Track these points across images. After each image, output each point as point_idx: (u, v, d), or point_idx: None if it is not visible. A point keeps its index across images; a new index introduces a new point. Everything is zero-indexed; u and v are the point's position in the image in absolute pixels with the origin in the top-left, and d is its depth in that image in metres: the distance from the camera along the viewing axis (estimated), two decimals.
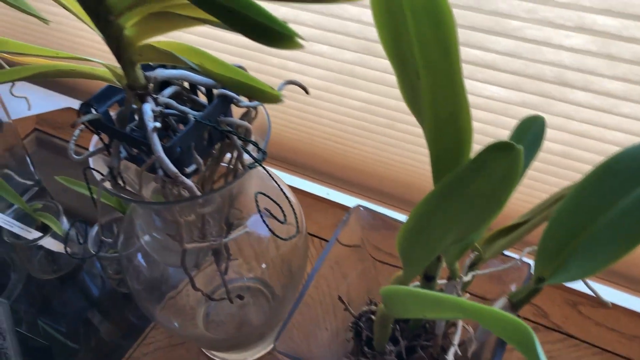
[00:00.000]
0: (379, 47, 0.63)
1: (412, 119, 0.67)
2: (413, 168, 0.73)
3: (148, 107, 0.39)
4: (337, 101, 0.70)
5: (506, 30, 0.51)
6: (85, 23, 0.38)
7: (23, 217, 0.71)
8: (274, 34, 0.24)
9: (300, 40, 0.24)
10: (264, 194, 0.41)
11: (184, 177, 0.39)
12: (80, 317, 0.69)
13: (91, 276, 0.72)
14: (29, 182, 0.82)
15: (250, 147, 0.43)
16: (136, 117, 0.42)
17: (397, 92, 0.66)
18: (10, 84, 0.66)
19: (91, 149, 0.44)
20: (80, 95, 1.01)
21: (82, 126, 0.44)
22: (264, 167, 0.41)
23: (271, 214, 0.41)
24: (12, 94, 0.68)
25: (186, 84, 0.44)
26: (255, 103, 0.42)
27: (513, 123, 0.61)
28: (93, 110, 0.41)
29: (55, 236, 0.68)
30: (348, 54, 0.63)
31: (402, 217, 0.62)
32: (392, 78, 0.64)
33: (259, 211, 0.39)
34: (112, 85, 0.43)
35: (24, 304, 0.70)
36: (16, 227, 0.67)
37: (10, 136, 0.77)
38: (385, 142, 0.71)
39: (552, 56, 0.51)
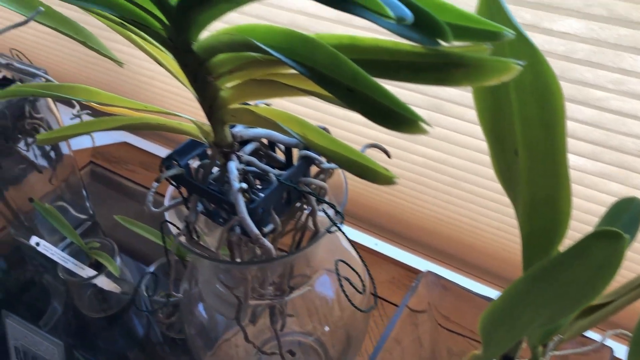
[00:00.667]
0: (449, 105, 0.62)
1: (479, 179, 0.65)
2: (478, 230, 0.71)
3: (234, 166, 0.38)
4: (400, 155, 0.69)
5: (589, 99, 0.50)
6: (178, 80, 0.38)
7: (76, 253, 0.71)
8: (397, 118, 0.24)
9: (424, 125, 0.23)
10: (345, 263, 0.39)
11: (264, 240, 0.38)
12: (126, 358, 0.68)
13: (140, 317, 0.72)
14: (83, 216, 0.82)
15: (325, 207, 0.42)
16: (213, 171, 0.42)
17: (461, 150, 0.65)
18: (77, 119, 0.66)
19: (167, 201, 0.44)
20: (138, 132, 1.02)
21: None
22: (343, 232, 0.39)
23: (349, 282, 0.40)
24: (93, 141, 0.69)
25: (264, 140, 0.44)
26: (335, 165, 0.41)
27: (587, 192, 0.59)
28: (174, 163, 0.41)
29: (108, 275, 0.68)
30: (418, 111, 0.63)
31: (466, 282, 0.60)
32: (460, 137, 0.63)
33: (339, 280, 0.38)
34: (194, 139, 0.42)
35: (71, 340, 0.70)
36: (70, 264, 0.67)
37: (68, 168, 0.77)
38: (447, 201, 0.70)
39: (637, 128, 0.49)
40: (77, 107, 0.64)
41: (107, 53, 0.59)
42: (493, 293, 0.52)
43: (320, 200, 0.40)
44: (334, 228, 0.40)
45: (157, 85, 0.90)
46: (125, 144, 0.96)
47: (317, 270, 0.48)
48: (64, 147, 0.75)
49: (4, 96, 0.42)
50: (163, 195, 0.44)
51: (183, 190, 0.42)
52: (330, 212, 0.41)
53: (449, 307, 0.50)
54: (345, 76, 0.25)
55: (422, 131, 0.24)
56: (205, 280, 0.53)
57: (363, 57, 0.26)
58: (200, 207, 0.43)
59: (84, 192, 0.80)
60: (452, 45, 0.25)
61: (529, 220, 0.36)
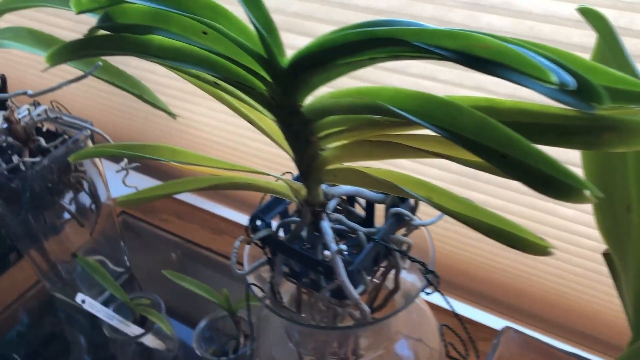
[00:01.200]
0: None
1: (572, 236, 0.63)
2: (562, 287, 0.68)
3: (327, 226, 0.37)
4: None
5: None
6: (271, 139, 0.37)
7: (117, 308, 0.69)
8: (559, 186, 0.22)
9: (587, 193, 0.22)
10: (450, 329, 0.38)
11: (364, 304, 0.37)
12: None
13: None
14: (120, 269, 0.80)
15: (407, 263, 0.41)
16: (291, 226, 0.41)
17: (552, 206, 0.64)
18: (124, 172, 0.65)
19: (246, 261, 0.42)
20: (166, 178, 1.01)
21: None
22: (440, 293, 0.38)
23: (454, 346, 0.38)
24: (125, 184, 0.68)
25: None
26: (429, 221, 0.40)
27: None
28: (259, 222, 0.40)
29: (156, 333, 0.66)
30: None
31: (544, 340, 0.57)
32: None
33: (445, 345, 0.36)
34: (277, 197, 0.41)
35: None
36: (116, 321, 0.65)
37: (107, 220, 0.76)
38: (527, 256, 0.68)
39: None
40: (125, 161, 0.63)
41: (162, 106, 0.59)
42: (573, 350, 0.50)
43: (412, 260, 0.39)
44: (428, 288, 0.38)
45: (204, 137, 0.89)
46: None
47: (394, 333, 0.47)
48: (102, 195, 0.73)
49: (81, 158, 0.41)
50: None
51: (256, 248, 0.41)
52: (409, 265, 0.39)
53: None
54: (498, 141, 0.24)
55: (585, 199, 0.22)
56: (273, 338, 0.51)
57: (501, 120, 0.25)
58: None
59: (122, 245, 0.79)
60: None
61: (639, 281, 0.35)
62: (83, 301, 0.64)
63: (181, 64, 0.33)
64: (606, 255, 0.41)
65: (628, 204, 0.33)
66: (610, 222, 0.35)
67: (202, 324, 0.64)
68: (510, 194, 0.64)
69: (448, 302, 0.38)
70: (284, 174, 0.49)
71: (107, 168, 0.72)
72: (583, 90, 0.23)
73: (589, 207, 0.61)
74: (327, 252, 0.41)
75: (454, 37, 0.24)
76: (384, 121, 0.29)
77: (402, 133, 0.30)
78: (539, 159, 0.23)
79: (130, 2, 0.33)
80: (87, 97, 0.99)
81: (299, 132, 0.33)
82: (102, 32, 0.36)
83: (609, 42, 0.29)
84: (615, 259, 0.36)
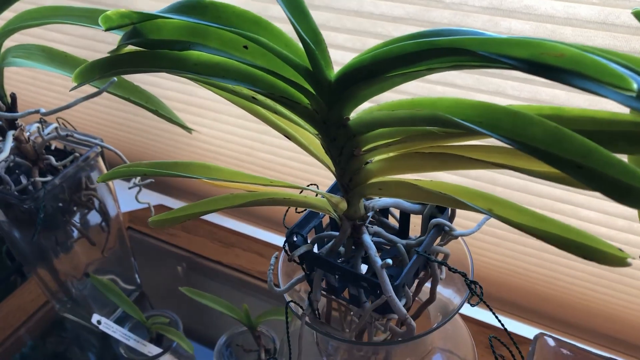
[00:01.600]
0: None
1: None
2: (589, 292, 0.68)
3: (369, 240, 0.36)
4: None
5: None
6: (311, 153, 0.36)
7: (132, 327, 0.67)
8: (638, 194, 0.22)
9: None
10: (498, 339, 0.37)
11: (411, 319, 0.36)
12: None
13: None
14: (130, 287, 0.79)
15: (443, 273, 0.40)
16: (326, 240, 0.40)
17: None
18: (137, 189, 0.64)
19: (280, 278, 0.41)
20: (175, 193, 0.99)
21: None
22: (486, 304, 0.37)
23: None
24: (138, 201, 0.66)
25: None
26: (470, 231, 0.39)
27: None
28: (295, 237, 0.39)
29: (174, 352, 0.64)
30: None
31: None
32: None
33: (496, 359, 0.35)
34: (313, 211, 0.40)
35: None
36: (132, 341, 0.63)
37: (118, 238, 0.74)
38: (557, 262, 0.67)
39: None
40: (138, 177, 0.62)
41: (178, 121, 0.58)
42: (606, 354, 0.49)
43: (453, 271, 0.38)
44: (472, 300, 0.37)
45: (213, 150, 0.87)
46: (162, 206, 0.93)
47: (429, 345, 0.46)
48: (112, 212, 0.71)
49: (109, 178, 0.40)
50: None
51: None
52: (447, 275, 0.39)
53: None
54: (574, 151, 0.23)
55: None
56: (303, 354, 0.50)
57: (569, 129, 0.25)
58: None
59: (133, 262, 0.77)
60: None
61: None
62: (99, 322, 0.62)
63: (220, 79, 0.32)
64: None
65: None
66: None
67: (222, 340, 0.63)
68: (530, 198, 0.63)
69: (493, 312, 0.38)
70: (309, 185, 0.48)
71: (117, 184, 0.70)
72: None
73: (610, 208, 0.61)
74: (364, 266, 0.41)
75: (523, 46, 0.23)
76: (440, 132, 0.28)
77: (457, 144, 0.29)
78: (618, 169, 0.22)
79: (165, 17, 0.32)
80: (90, 114, 0.98)
81: (344, 146, 0.32)
82: (129, 48, 0.35)
83: None
84: None
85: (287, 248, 0.38)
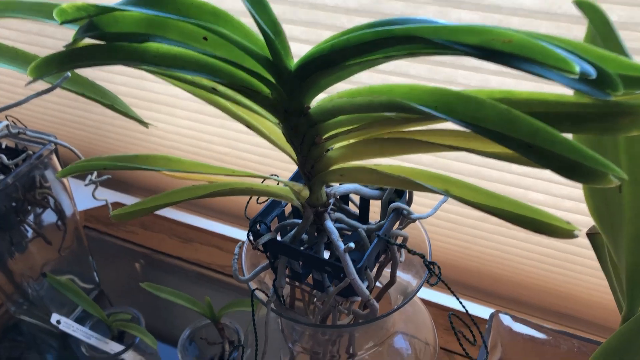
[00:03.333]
0: None
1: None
2: (540, 271, 0.70)
3: (332, 225, 0.37)
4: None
5: None
6: (271, 141, 0.36)
7: (94, 326, 0.67)
8: (585, 171, 0.23)
9: (616, 177, 0.23)
10: (458, 317, 0.38)
11: (374, 300, 0.37)
12: None
13: None
14: (89, 286, 0.78)
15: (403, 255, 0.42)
16: (289, 228, 0.41)
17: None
18: (93, 186, 0.63)
19: (245, 267, 0.42)
20: (133, 191, 0.98)
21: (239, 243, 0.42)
22: (445, 284, 0.39)
23: (465, 337, 0.39)
24: (95, 198, 0.66)
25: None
26: (427, 214, 0.41)
27: None
28: (259, 226, 0.39)
29: (137, 348, 0.64)
30: None
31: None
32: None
33: (456, 334, 0.37)
34: (275, 199, 0.41)
35: None
36: (94, 339, 0.63)
37: (72, 235, 0.73)
38: (513, 245, 0.69)
39: None
40: (95, 173, 0.61)
41: (134, 115, 0.57)
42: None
43: (412, 253, 0.39)
44: (431, 280, 0.39)
45: (167, 144, 0.86)
46: (120, 204, 0.92)
47: (391, 327, 0.47)
48: (68, 211, 0.70)
49: (69, 173, 0.39)
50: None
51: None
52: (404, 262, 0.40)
53: (520, 350, 0.49)
54: (524, 132, 0.24)
55: (612, 182, 0.23)
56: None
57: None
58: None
59: (91, 260, 0.76)
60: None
61: (632, 257, 0.36)
62: (58, 322, 0.61)
63: (180, 71, 0.32)
64: (590, 236, 0.43)
65: (620, 185, 0.35)
66: (601, 202, 0.37)
67: (186, 334, 0.63)
68: (482, 183, 0.65)
69: (451, 290, 0.39)
70: (271, 176, 0.48)
71: (72, 182, 0.69)
72: (600, 79, 0.24)
73: (557, 190, 0.63)
74: (327, 253, 0.42)
75: (474, 33, 0.24)
76: (397, 118, 0.29)
77: (415, 129, 0.30)
78: (564, 147, 0.24)
79: (122, 10, 0.32)
80: (41, 111, 0.95)
81: (305, 134, 0.33)
82: (86, 42, 0.35)
83: (602, 32, 0.31)
84: (605, 238, 0.38)
85: (251, 237, 0.39)
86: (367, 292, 0.36)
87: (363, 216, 0.43)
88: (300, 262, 0.39)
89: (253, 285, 0.40)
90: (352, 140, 0.33)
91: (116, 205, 0.92)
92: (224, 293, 0.78)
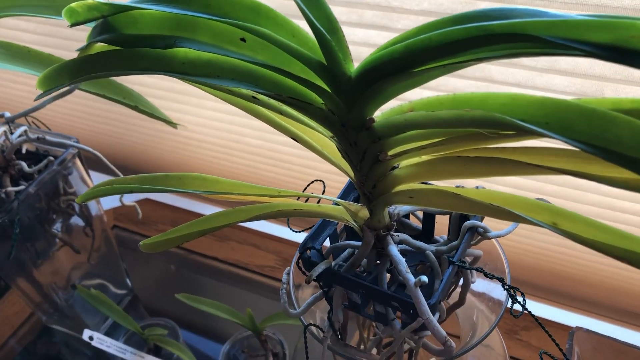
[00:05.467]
0: None
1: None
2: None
3: (397, 253, 0.31)
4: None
5: None
6: (325, 158, 0.31)
7: (129, 338, 0.63)
8: None
9: None
10: (548, 355, 0.33)
11: (450, 340, 0.31)
12: None
13: None
14: (122, 292, 0.74)
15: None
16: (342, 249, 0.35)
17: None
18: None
19: (294, 294, 0.36)
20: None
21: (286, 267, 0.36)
22: (529, 312, 0.33)
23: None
24: (122, 203, 0.61)
25: None
26: (506, 231, 0.35)
27: None
28: (309, 252, 0.34)
29: None
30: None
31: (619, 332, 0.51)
32: None
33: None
34: (326, 220, 0.35)
35: None
36: (129, 354, 0.59)
37: (101, 239, 0.69)
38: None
39: None
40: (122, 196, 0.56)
41: (161, 115, 0.52)
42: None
43: (490, 277, 0.34)
44: (515, 307, 0.33)
45: (197, 138, 0.81)
46: (148, 200, 0.87)
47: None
48: (94, 213, 0.66)
49: (92, 197, 0.34)
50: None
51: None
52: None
53: None
54: None
55: None
56: None
57: None
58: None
59: (122, 264, 0.72)
60: None
61: None
62: (91, 338, 0.58)
63: (214, 80, 0.26)
64: None
65: None
66: None
67: (227, 347, 0.59)
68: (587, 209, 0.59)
69: (539, 322, 0.33)
70: (313, 182, 0.43)
71: (97, 180, 0.65)
72: None
73: None
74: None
75: (607, 28, 0.18)
76: (488, 133, 0.23)
77: (509, 145, 0.24)
78: None
79: (141, 8, 0.27)
80: (62, 108, 0.91)
81: (366, 150, 0.27)
82: (102, 45, 0.30)
83: None
84: None
85: (302, 266, 0.33)
86: (444, 332, 0.30)
87: (427, 233, 0.38)
88: (360, 294, 0.33)
89: (306, 319, 0.34)
90: (425, 157, 0.27)
91: (145, 202, 0.87)
92: (264, 296, 0.73)
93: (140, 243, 0.33)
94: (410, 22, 0.53)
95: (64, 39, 0.78)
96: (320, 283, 0.34)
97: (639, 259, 0.21)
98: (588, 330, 0.44)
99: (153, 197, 0.89)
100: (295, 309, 0.34)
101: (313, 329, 0.35)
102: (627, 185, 0.21)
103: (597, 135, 0.19)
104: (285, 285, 0.35)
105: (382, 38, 0.56)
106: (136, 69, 0.28)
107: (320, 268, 0.32)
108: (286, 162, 0.76)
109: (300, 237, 0.83)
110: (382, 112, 0.26)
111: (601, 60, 0.19)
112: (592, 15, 0.19)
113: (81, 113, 0.90)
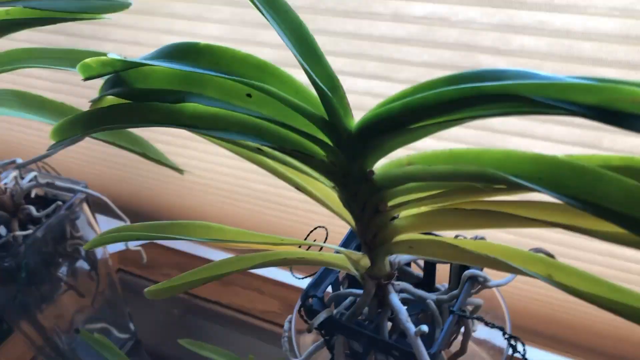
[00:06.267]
0: None
1: None
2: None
3: (398, 302, 0.32)
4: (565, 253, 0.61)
5: None
6: (329, 208, 0.32)
7: None
8: None
9: None
10: None
11: None
12: None
13: None
14: (124, 336, 0.74)
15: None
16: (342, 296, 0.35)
17: None
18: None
19: (296, 342, 0.37)
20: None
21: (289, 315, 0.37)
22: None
23: None
24: (127, 247, 0.62)
25: None
26: (506, 280, 0.35)
27: None
28: (311, 300, 0.34)
29: None
30: None
31: None
32: None
33: None
34: (328, 268, 0.36)
35: None
36: None
37: (104, 282, 0.69)
38: None
39: None
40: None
41: (168, 162, 0.53)
42: None
43: (491, 326, 0.34)
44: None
45: (205, 184, 0.82)
46: (154, 244, 0.88)
47: None
48: (100, 256, 0.66)
49: (99, 245, 0.35)
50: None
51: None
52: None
53: None
54: None
55: None
56: None
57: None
58: None
59: (127, 310, 0.72)
60: None
61: None
62: None
63: (221, 134, 0.28)
64: None
65: None
66: None
67: None
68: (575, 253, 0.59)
69: None
70: (315, 228, 0.43)
71: (102, 223, 0.65)
72: None
73: None
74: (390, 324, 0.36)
75: (593, 91, 0.19)
76: (484, 187, 0.24)
77: (504, 199, 0.25)
78: None
79: (153, 65, 0.28)
80: (71, 151, 0.92)
81: (367, 201, 0.28)
82: (113, 99, 0.31)
83: None
84: None
85: (303, 315, 0.34)
86: None
87: (428, 281, 0.38)
88: (364, 344, 0.34)
89: None
90: (424, 209, 0.28)
91: (150, 247, 0.88)
92: (267, 342, 0.73)
93: (145, 290, 0.34)
94: (411, 74, 0.55)
95: (75, 86, 0.80)
96: (322, 331, 0.34)
97: (631, 312, 0.21)
98: None
99: (159, 241, 0.89)
100: (297, 357, 0.35)
101: None
102: (618, 239, 0.22)
103: (587, 191, 0.20)
104: (287, 333, 0.35)
105: (384, 88, 0.58)
106: (146, 122, 0.29)
107: (321, 317, 0.32)
108: (291, 207, 0.76)
109: (304, 283, 0.83)
110: (381, 165, 0.27)
111: (588, 119, 0.20)
112: (580, 78, 0.20)
113: (90, 157, 0.92)
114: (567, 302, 0.65)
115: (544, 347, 0.71)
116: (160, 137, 0.79)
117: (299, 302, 0.35)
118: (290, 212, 0.77)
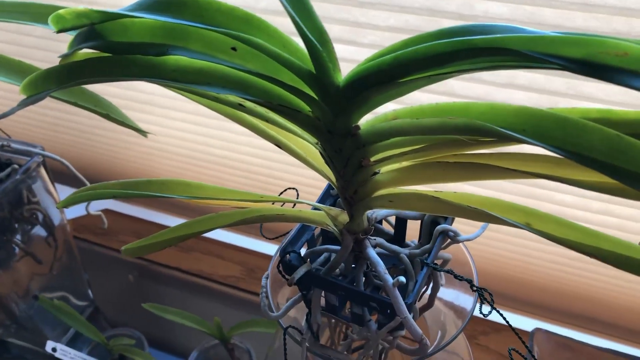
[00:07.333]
0: None
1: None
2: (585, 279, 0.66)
3: (376, 255, 0.33)
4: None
5: None
6: (308, 164, 0.32)
7: (93, 349, 0.62)
8: None
9: None
10: (517, 352, 0.35)
11: (426, 339, 0.33)
12: None
13: None
14: (83, 303, 0.73)
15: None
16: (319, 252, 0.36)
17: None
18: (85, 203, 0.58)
19: (272, 297, 0.37)
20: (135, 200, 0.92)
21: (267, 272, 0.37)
22: (500, 314, 0.35)
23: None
24: (88, 212, 0.61)
25: None
26: (475, 235, 0.37)
27: None
28: (289, 256, 0.35)
29: None
30: None
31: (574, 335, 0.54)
32: None
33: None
34: (305, 225, 0.37)
35: None
36: None
37: (62, 249, 0.67)
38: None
39: None
40: (89, 204, 0.56)
41: (131, 124, 0.52)
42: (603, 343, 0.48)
43: (460, 279, 0.35)
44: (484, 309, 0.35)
45: (165, 149, 0.80)
46: (109, 211, 0.86)
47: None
48: (57, 222, 0.65)
49: (72, 203, 0.34)
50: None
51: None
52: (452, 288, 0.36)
53: None
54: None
55: None
56: None
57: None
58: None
59: (85, 276, 0.71)
60: None
61: None
62: (54, 349, 0.57)
63: (205, 87, 0.27)
64: None
65: None
66: None
67: (193, 356, 0.58)
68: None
69: (505, 319, 0.35)
70: (286, 189, 0.44)
71: (60, 190, 0.64)
72: None
73: None
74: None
75: (579, 44, 0.20)
76: (468, 140, 0.25)
77: (488, 151, 0.26)
78: None
79: (132, 17, 0.27)
80: (24, 116, 0.89)
81: (350, 157, 0.29)
82: (88, 52, 0.30)
83: None
84: None
85: (282, 270, 0.34)
86: (420, 331, 0.32)
87: (399, 237, 0.39)
88: (338, 295, 0.35)
89: (283, 321, 0.35)
90: (405, 163, 0.29)
91: (105, 213, 0.86)
92: (229, 307, 0.74)
93: (122, 248, 0.33)
94: (376, 38, 0.55)
95: (27, 47, 0.76)
96: (300, 286, 0.35)
97: (606, 255, 0.23)
98: (547, 331, 0.46)
99: (114, 207, 0.87)
100: (274, 312, 0.35)
101: (293, 332, 0.36)
102: (598, 187, 0.23)
103: (572, 141, 0.21)
104: (264, 289, 0.36)
105: (349, 53, 0.58)
106: (127, 76, 0.28)
107: (301, 271, 0.33)
108: (252, 172, 0.76)
109: (264, 247, 0.83)
110: (366, 120, 0.28)
111: (574, 73, 0.21)
112: (567, 33, 0.21)
113: (42, 122, 0.88)
114: (523, 262, 0.68)
115: (500, 306, 0.74)
116: (116, 101, 0.76)
117: (275, 258, 0.35)
118: (252, 177, 0.77)
